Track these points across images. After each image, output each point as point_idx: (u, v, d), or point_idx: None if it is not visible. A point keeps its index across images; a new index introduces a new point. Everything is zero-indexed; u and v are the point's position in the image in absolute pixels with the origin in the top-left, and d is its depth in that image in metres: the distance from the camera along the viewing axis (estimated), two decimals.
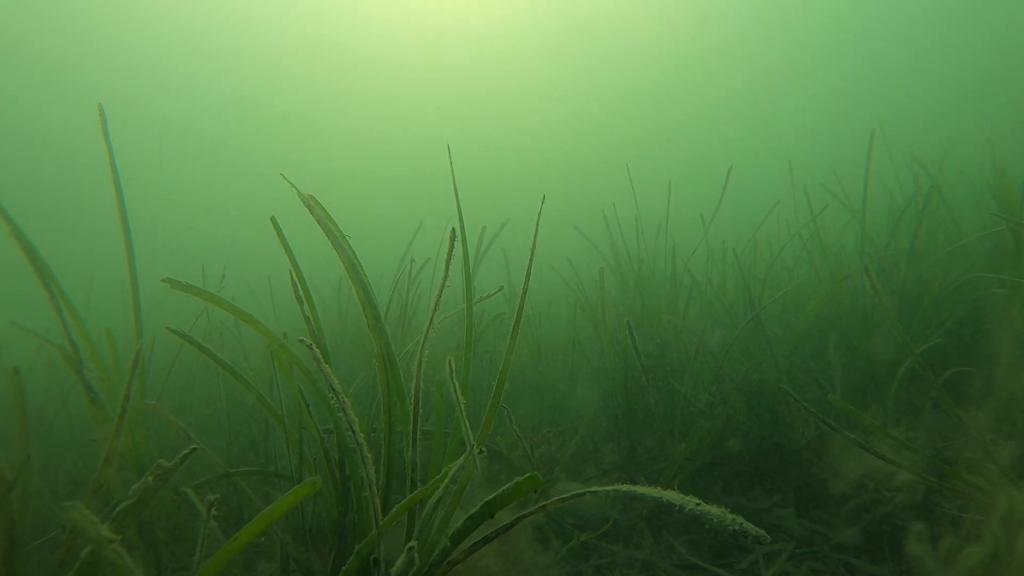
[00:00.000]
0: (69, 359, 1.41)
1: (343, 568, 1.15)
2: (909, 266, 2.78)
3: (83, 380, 1.38)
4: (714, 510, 0.84)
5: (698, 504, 0.85)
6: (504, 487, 1.04)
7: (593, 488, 0.98)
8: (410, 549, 0.98)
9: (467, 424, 1.10)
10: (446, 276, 1.27)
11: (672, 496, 0.88)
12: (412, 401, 1.20)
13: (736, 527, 0.82)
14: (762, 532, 0.82)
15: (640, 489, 0.90)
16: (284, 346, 1.51)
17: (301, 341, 1.15)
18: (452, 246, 1.29)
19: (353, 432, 1.04)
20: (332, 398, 1.07)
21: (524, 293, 1.32)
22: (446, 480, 1.11)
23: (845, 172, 3.62)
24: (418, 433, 1.22)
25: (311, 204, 1.26)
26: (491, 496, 1.06)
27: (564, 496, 1.02)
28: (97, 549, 0.77)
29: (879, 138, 3.05)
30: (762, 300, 2.95)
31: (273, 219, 1.59)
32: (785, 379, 2.46)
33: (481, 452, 1.18)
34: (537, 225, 1.45)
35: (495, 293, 2.16)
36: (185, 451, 1.08)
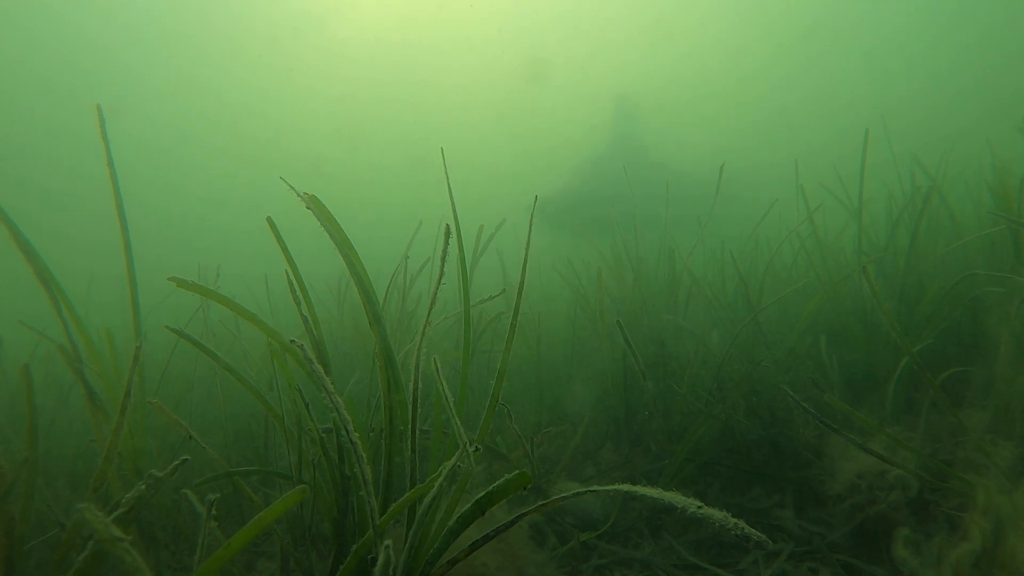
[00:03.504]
0: (68, 358, 1.41)
1: (341, 568, 1.15)
2: (908, 266, 2.78)
3: (82, 379, 1.38)
4: (716, 513, 0.84)
5: (700, 507, 0.85)
6: (494, 484, 1.04)
7: (594, 488, 0.98)
8: (386, 548, 0.98)
9: (458, 422, 1.11)
10: (442, 272, 1.27)
11: (674, 498, 0.87)
12: (411, 401, 1.20)
13: (738, 532, 0.82)
14: (763, 537, 0.82)
15: (641, 490, 0.90)
16: (286, 346, 1.51)
17: (292, 342, 1.16)
18: (447, 243, 1.29)
19: (348, 432, 1.04)
20: (325, 398, 1.08)
21: (520, 292, 1.32)
22: (440, 478, 1.11)
23: (847, 171, 3.62)
24: (416, 432, 1.23)
25: (311, 203, 1.26)
26: (482, 494, 1.06)
27: (564, 495, 1.03)
28: (109, 548, 0.78)
29: (880, 137, 3.05)
30: (761, 300, 2.95)
31: (269, 219, 1.59)
32: (784, 379, 2.46)
33: (477, 450, 1.18)
34: (530, 225, 1.46)
35: (496, 296, 2.16)
36: (177, 461, 1.09)
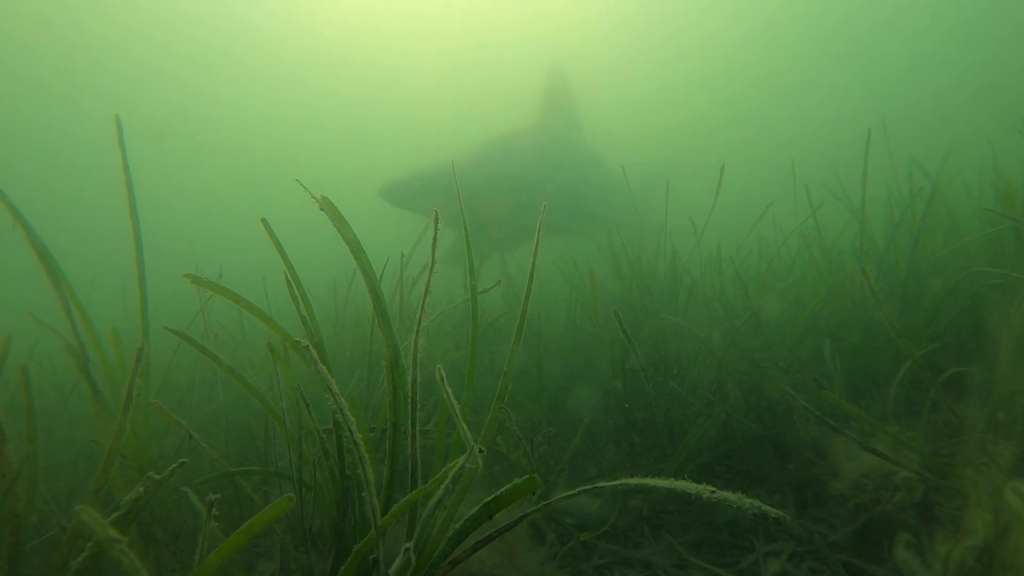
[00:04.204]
0: (76, 357, 1.41)
1: (342, 568, 1.14)
2: (909, 266, 2.79)
3: (89, 379, 1.38)
4: (731, 496, 0.84)
5: (713, 492, 0.85)
6: (502, 489, 1.04)
7: (600, 484, 0.98)
8: (407, 550, 0.98)
9: (465, 426, 1.10)
10: (433, 260, 1.27)
11: (686, 486, 0.87)
12: (410, 395, 1.20)
13: (755, 511, 0.82)
14: (781, 513, 0.82)
15: (652, 481, 0.90)
16: (293, 345, 1.51)
17: (297, 342, 1.16)
18: (436, 231, 1.29)
19: (351, 432, 1.04)
20: (329, 398, 1.08)
21: (527, 294, 1.32)
22: (446, 480, 1.11)
23: (848, 173, 3.63)
24: (417, 430, 1.22)
25: (324, 205, 1.26)
26: (490, 498, 1.06)
27: (570, 493, 1.02)
28: (106, 550, 0.77)
29: (881, 139, 3.05)
30: (761, 300, 2.95)
31: (264, 220, 1.59)
32: (784, 379, 2.46)
33: (482, 452, 1.18)
34: (539, 231, 1.46)
35: (494, 287, 2.17)
36: (175, 464, 1.09)
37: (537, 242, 1.37)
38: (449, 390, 1.13)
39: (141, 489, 1.03)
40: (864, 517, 1.81)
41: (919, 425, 2.02)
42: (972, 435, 1.71)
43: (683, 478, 2.17)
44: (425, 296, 1.22)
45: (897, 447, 1.73)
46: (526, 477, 0.98)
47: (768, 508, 0.82)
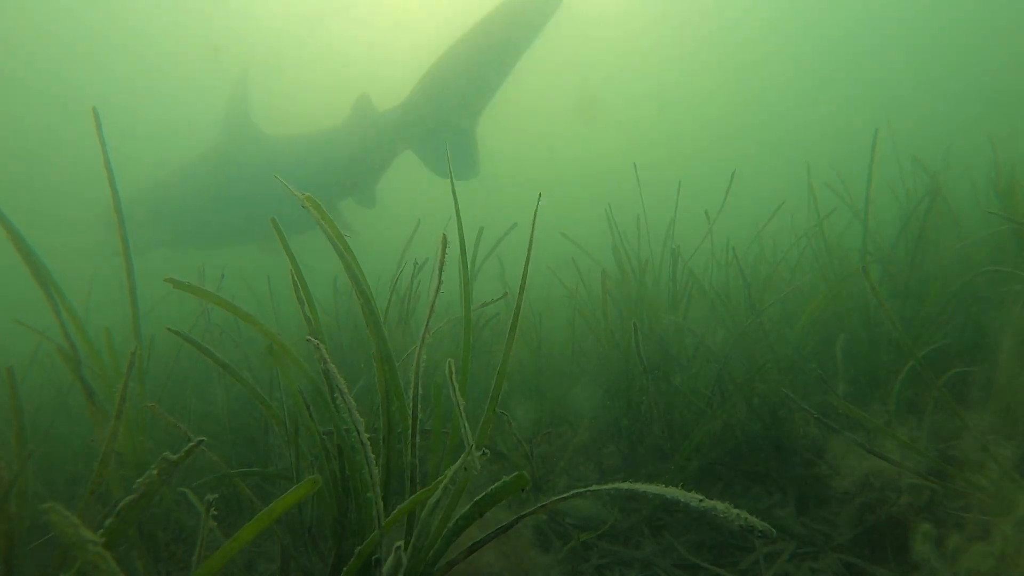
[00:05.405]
0: (68, 359, 1.41)
1: (344, 569, 1.14)
2: (912, 267, 2.78)
3: (82, 380, 1.38)
4: (719, 505, 0.84)
5: (701, 500, 0.84)
6: (493, 486, 1.04)
7: (593, 487, 0.97)
8: (397, 548, 0.97)
9: (468, 429, 1.10)
10: (439, 281, 1.27)
11: (676, 493, 0.87)
12: (411, 406, 1.20)
13: (741, 522, 0.82)
14: (767, 526, 0.82)
15: (643, 487, 0.90)
16: (285, 347, 1.51)
17: (308, 340, 1.15)
18: (443, 253, 1.29)
19: (359, 433, 1.04)
20: (338, 398, 1.07)
21: (521, 292, 1.32)
22: (445, 480, 1.11)
23: (850, 173, 3.61)
24: (417, 436, 1.22)
25: (307, 204, 1.26)
26: (480, 496, 1.06)
27: (564, 495, 1.02)
28: (78, 554, 0.76)
29: (884, 139, 3.04)
30: (764, 301, 2.94)
31: (273, 220, 1.59)
32: (786, 380, 2.46)
33: (484, 454, 1.18)
34: (533, 224, 1.45)
35: (497, 300, 2.16)
36: (192, 443, 1.07)
37: (531, 243, 1.36)
38: (456, 385, 1.13)
39: (155, 472, 1.00)
40: (864, 517, 1.80)
41: (922, 425, 2.01)
42: (975, 435, 1.70)
43: (683, 478, 2.17)
44: (429, 316, 1.22)
45: (899, 447, 1.72)
46: (515, 474, 0.98)
47: (754, 520, 0.82)
